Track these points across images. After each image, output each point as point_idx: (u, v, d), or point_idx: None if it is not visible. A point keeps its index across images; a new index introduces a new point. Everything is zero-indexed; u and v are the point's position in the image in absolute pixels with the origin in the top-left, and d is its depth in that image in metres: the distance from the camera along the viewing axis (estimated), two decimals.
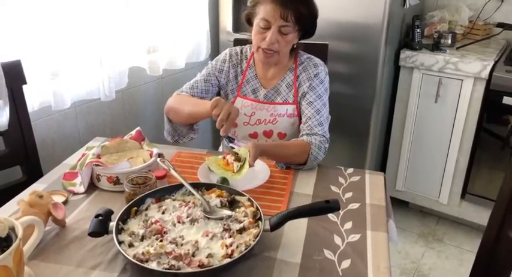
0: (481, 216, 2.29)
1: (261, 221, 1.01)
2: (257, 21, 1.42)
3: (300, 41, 1.52)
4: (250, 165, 1.19)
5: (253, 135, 1.55)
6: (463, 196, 2.33)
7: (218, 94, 1.61)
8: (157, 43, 2.14)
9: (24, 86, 1.50)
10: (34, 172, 1.52)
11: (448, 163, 2.31)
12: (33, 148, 1.55)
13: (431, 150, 2.35)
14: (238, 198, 1.12)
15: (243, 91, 1.56)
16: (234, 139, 1.63)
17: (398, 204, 2.57)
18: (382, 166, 2.57)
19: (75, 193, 1.25)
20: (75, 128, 1.89)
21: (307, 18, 1.42)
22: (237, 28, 2.48)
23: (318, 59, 1.56)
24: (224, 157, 1.25)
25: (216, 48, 2.55)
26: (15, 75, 1.46)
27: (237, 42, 1.76)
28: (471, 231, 2.44)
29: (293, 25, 1.40)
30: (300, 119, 1.51)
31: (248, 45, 1.61)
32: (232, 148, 1.61)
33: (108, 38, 1.82)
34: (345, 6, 2.11)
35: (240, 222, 1.02)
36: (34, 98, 1.63)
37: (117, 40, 1.87)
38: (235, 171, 1.20)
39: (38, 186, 1.27)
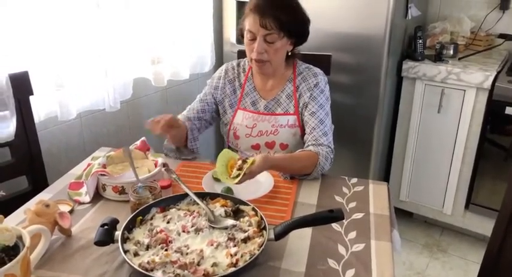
0: (485, 226, 2.28)
1: (266, 230, 1.01)
2: (245, 34, 1.45)
3: (295, 49, 1.53)
4: (250, 178, 1.19)
5: (256, 147, 1.56)
6: (467, 206, 2.33)
7: (217, 111, 1.63)
8: (162, 54, 2.16)
9: (30, 97, 1.52)
10: (40, 182, 1.54)
11: (452, 173, 2.31)
12: (39, 158, 1.57)
13: (434, 161, 2.35)
14: (242, 207, 1.12)
15: (242, 103, 1.57)
16: (237, 151, 1.63)
17: (402, 215, 2.56)
18: (385, 177, 2.57)
19: (80, 203, 1.26)
20: (80, 138, 1.91)
21: (291, 24, 1.41)
22: (240, 40, 2.50)
23: (317, 68, 1.56)
24: (239, 159, 1.23)
25: (219, 60, 2.58)
26: (22, 86, 1.48)
27: (241, 54, 1.79)
28: (476, 241, 2.42)
29: (277, 32, 1.40)
30: (302, 129, 1.52)
31: (246, 58, 1.63)
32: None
33: (113, 49, 1.85)
34: (347, 17, 2.13)
35: (245, 231, 1.02)
36: (40, 108, 1.64)
37: (122, 51, 1.90)
38: (231, 176, 1.19)
39: (44, 196, 1.28)
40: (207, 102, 1.60)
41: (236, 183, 1.18)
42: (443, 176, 2.34)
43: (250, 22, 1.41)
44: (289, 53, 1.53)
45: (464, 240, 2.45)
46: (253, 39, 1.42)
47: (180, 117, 1.57)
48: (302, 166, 1.37)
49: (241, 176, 1.17)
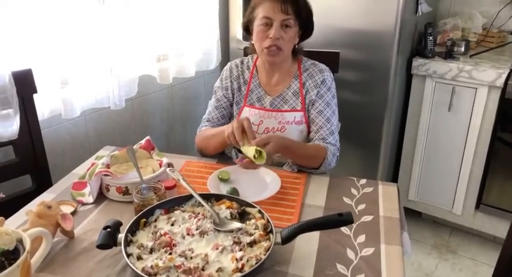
0: (495, 227, 2.24)
1: (272, 234, 0.98)
2: (258, 23, 1.43)
3: (300, 44, 1.53)
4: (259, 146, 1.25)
5: None
6: (477, 207, 2.28)
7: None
8: (167, 51, 2.14)
9: (34, 95, 1.50)
10: (44, 181, 1.52)
11: (462, 173, 2.26)
12: (42, 157, 1.55)
13: (444, 160, 2.31)
14: (248, 209, 1.10)
15: (249, 100, 1.55)
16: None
17: (410, 215, 2.52)
18: (394, 175, 2.53)
19: (84, 204, 1.24)
20: (84, 137, 1.89)
21: (304, 11, 1.44)
22: (246, 36, 2.47)
23: (323, 65, 1.55)
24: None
25: (226, 57, 2.55)
26: (26, 84, 1.46)
27: (247, 51, 1.76)
28: (485, 242, 2.38)
29: (294, 18, 1.41)
30: (308, 126, 1.51)
31: (250, 55, 1.62)
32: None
33: (118, 46, 1.83)
34: (356, 14, 2.09)
35: (251, 234, 0.99)
36: (44, 106, 1.63)
37: (127, 48, 1.87)
38: (256, 157, 1.24)
39: (47, 196, 1.26)
40: (223, 107, 1.58)
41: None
42: (453, 175, 2.30)
43: (267, 8, 1.41)
44: (296, 46, 1.51)
45: (474, 241, 2.41)
46: (268, 25, 1.41)
47: (204, 129, 1.55)
48: (311, 155, 1.40)
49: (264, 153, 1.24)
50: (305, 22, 1.47)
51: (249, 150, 1.25)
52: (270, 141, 1.26)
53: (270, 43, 1.41)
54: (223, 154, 1.54)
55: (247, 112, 1.54)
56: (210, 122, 1.57)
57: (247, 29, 1.51)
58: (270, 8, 1.40)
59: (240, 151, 1.62)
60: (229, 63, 1.62)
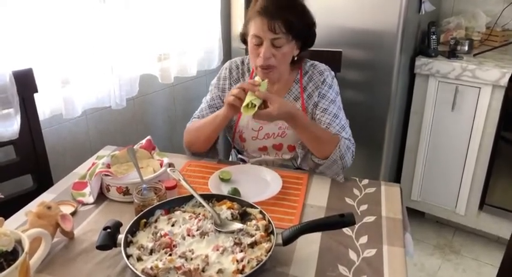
0: (499, 227, 2.23)
1: (273, 235, 0.98)
2: (250, 39, 1.37)
3: (302, 53, 1.45)
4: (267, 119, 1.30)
5: (263, 149, 1.51)
6: (481, 207, 2.27)
7: None
8: (169, 50, 2.13)
9: (35, 94, 1.50)
10: (45, 181, 1.52)
11: (465, 173, 2.25)
12: (43, 156, 1.55)
13: (447, 160, 2.29)
14: (249, 210, 1.09)
15: None
16: (243, 152, 1.59)
17: (413, 215, 2.51)
18: (397, 175, 2.52)
19: (84, 204, 1.23)
20: (85, 136, 1.89)
21: (299, 26, 1.34)
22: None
23: (322, 65, 1.51)
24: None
25: (227, 56, 2.53)
26: (26, 83, 1.46)
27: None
28: (489, 242, 2.37)
29: (285, 36, 1.32)
30: None
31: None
32: (242, 160, 1.58)
33: (119, 45, 1.82)
34: (359, 13, 2.08)
35: (252, 235, 0.98)
36: (45, 106, 1.62)
37: (128, 47, 1.87)
38: (249, 106, 1.24)
39: (47, 196, 1.25)
40: (216, 107, 1.52)
41: (253, 117, 1.26)
42: (456, 175, 2.28)
43: (256, 26, 1.33)
44: (295, 58, 1.45)
45: (477, 241, 2.39)
46: (259, 44, 1.35)
47: (195, 121, 1.53)
48: (321, 136, 1.35)
49: (254, 109, 1.23)
50: (303, 34, 1.38)
51: (247, 98, 1.24)
52: (275, 103, 1.24)
53: (261, 63, 1.35)
54: (208, 154, 1.51)
55: (246, 118, 1.49)
56: (200, 118, 1.51)
57: (245, 40, 1.45)
58: (259, 25, 1.31)
59: (240, 152, 1.61)
60: (228, 62, 1.57)
